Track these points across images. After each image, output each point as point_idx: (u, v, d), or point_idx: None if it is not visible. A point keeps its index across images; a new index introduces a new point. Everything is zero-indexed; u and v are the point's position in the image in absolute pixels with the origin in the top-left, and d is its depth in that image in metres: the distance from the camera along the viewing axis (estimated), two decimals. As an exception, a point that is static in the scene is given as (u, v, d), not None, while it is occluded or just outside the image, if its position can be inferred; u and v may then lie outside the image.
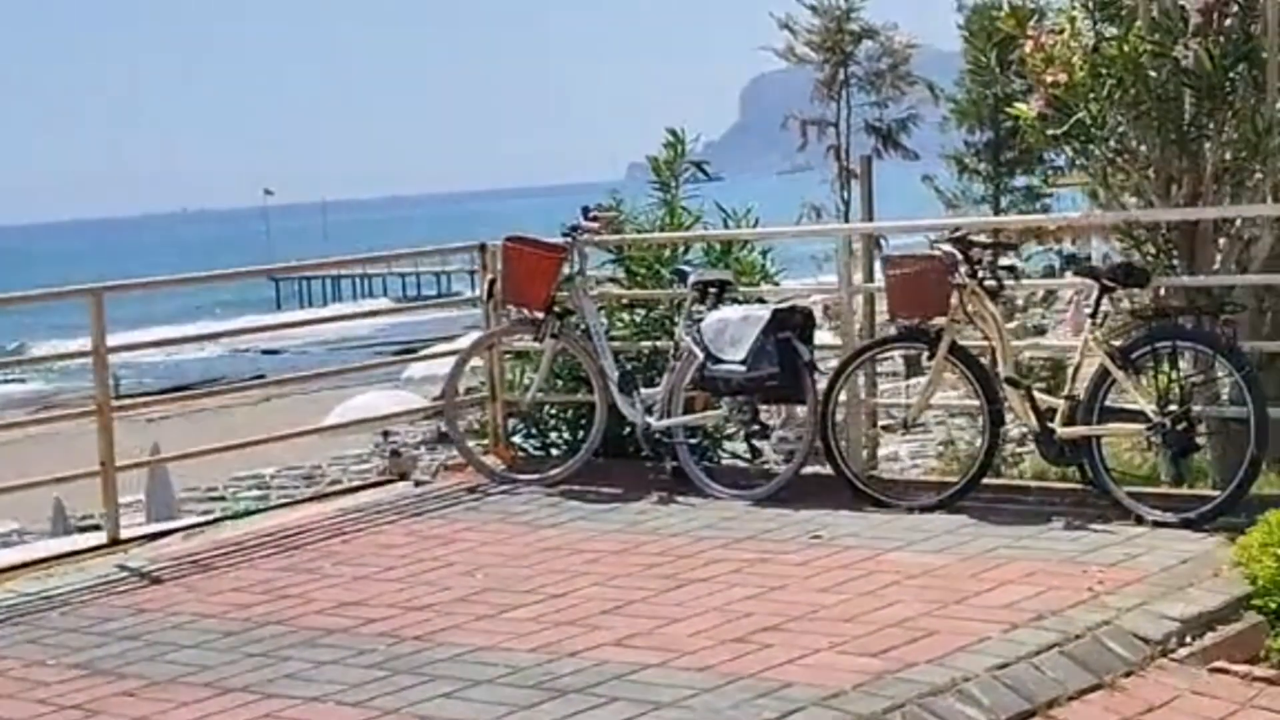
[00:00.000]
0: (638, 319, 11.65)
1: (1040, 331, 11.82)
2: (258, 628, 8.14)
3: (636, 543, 9.34)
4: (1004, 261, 9.41)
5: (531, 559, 9.16)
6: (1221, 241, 9.96)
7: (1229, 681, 7.18)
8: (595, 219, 11.23)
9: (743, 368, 10.13)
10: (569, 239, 11.04)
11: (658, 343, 11.09)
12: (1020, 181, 14.46)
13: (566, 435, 11.61)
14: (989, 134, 12.23)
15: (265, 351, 58.45)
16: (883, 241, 12.36)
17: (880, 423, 16.03)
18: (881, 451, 17.74)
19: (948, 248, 9.44)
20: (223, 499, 27.04)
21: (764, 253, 11.66)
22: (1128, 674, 7.05)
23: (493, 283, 11.19)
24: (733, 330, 10.24)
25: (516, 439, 11.78)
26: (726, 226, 11.86)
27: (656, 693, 6.71)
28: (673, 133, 12.05)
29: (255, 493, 27.89)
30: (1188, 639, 7.35)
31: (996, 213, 14.10)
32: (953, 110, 14.15)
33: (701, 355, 10.32)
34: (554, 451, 11.65)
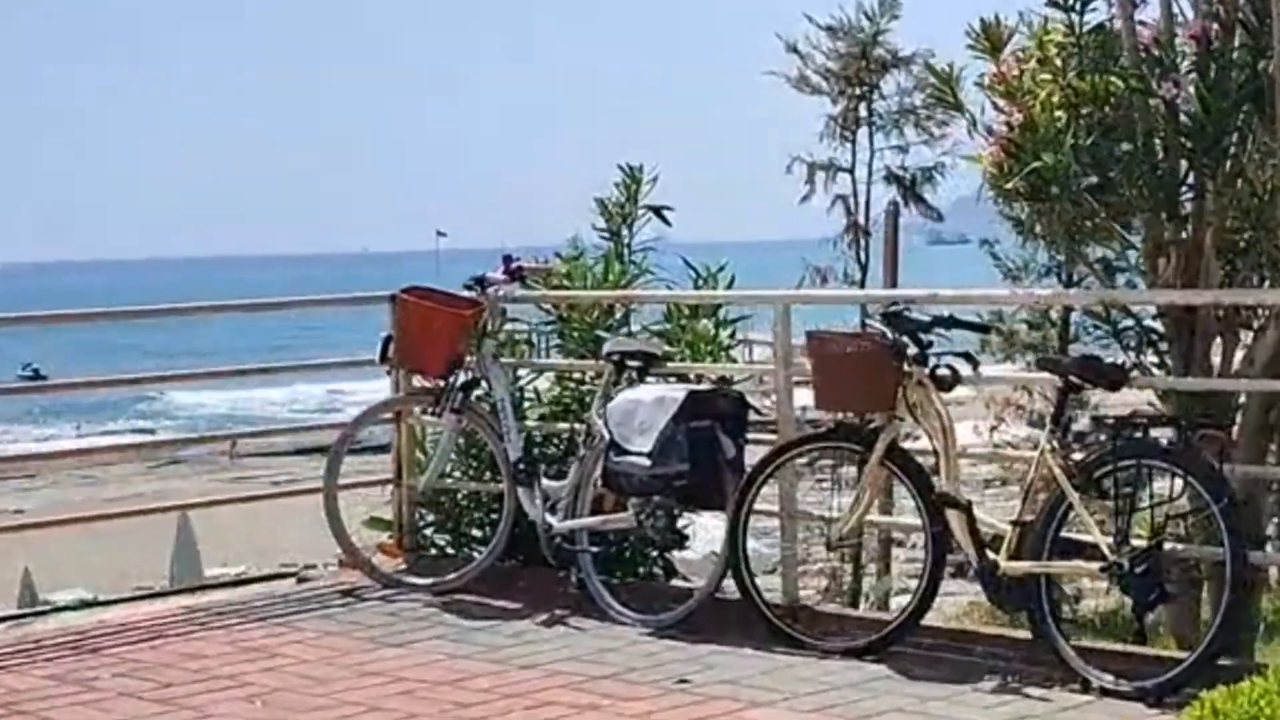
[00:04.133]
0: (571, 393, 10.61)
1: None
2: (-62, 757, 7.28)
3: (474, 674, 8.29)
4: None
5: (337, 685, 8.20)
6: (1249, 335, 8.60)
7: None
8: (518, 271, 10.24)
9: (647, 462, 9.06)
10: (477, 293, 10.07)
11: (579, 424, 10.02)
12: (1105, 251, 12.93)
13: (487, 531, 10.60)
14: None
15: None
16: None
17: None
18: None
19: (882, 326, 8.36)
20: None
21: (721, 322, 10.53)
22: None
23: (388, 341, 10.23)
24: (643, 414, 9.16)
25: (430, 532, 10.81)
26: (697, 287, 10.78)
27: None
28: (628, 170, 11.01)
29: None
30: None
31: (1068, 287, 12.65)
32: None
33: (607, 441, 9.30)
34: (475, 549, 10.62)
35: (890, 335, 8.38)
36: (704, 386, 9.39)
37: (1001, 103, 8.33)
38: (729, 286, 10.73)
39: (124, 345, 62.42)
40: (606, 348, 9.69)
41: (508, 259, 10.24)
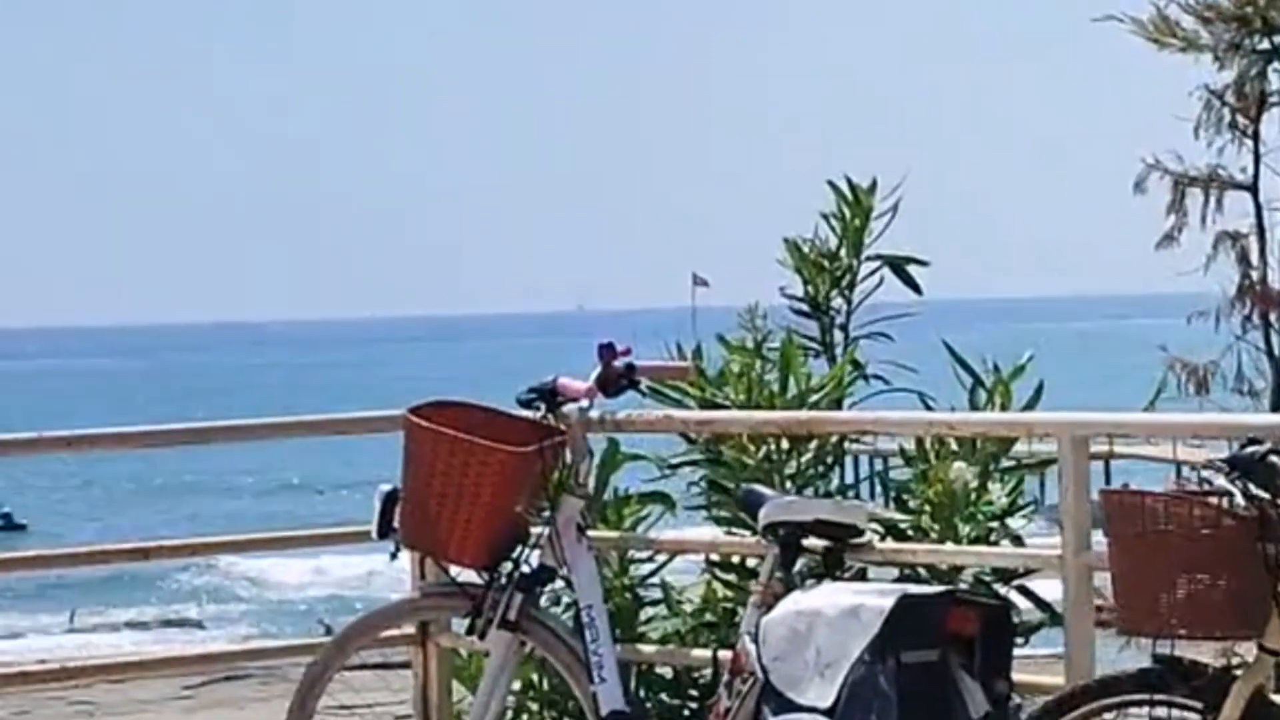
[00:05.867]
0: (733, 591, 6.57)
1: None
2: None
3: None
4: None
5: None
6: None
7: None
8: (627, 374, 6.23)
9: (826, 722, 5.23)
10: (540, 413, 6.13)
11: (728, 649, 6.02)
12: None
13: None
14: None
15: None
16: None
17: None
18: None
19: (1231, 481, 4.96)
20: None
21: (999, 471, 6.32)
22: None
23: (391, 501, 6.25)
24: (823, 638, 5.36)
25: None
26: (974, 403, 6.60)
27: None
28: (848, 191, 6.98)
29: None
30: None
31: None
32: None
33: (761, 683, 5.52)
34: None
35: (1251, 498, 5.00)
36: (932, 589, 5.53)
37: None
38: (1032, 403, 6.56)
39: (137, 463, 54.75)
40: (765, 515, 5.72)
41: (608, 351, 6.23)
